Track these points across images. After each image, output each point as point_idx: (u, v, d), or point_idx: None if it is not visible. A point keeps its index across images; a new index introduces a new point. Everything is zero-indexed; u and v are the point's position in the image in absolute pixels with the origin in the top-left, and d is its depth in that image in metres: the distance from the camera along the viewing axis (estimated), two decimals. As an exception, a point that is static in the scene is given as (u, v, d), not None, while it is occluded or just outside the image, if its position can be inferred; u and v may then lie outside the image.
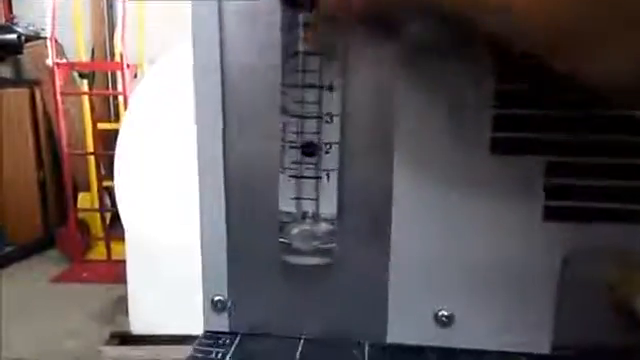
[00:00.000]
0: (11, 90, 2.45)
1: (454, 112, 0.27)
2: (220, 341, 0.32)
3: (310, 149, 0.25)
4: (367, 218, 0.28)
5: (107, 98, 2.66)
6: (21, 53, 2.49)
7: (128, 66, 2.12)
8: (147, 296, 1.32)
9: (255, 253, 0.30)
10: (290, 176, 0.26)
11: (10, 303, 1.87)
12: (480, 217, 0.29)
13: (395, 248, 0.29)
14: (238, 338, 0.32)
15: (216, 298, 0.31)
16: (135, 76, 2.17)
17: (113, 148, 1.41)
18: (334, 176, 0.26)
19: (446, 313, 0.31)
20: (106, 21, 2.71)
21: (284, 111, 0.26)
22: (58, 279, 2.19)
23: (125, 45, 2.13)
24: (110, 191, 2.31)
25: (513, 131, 0.27)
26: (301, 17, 0.25)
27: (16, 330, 1.71)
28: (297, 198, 0.26)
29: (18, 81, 2.53)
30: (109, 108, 2.67)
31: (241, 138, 0.28)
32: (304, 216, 0.26)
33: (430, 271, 0.30)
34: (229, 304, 0.32)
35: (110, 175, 1.64)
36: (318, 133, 0.25)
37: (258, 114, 0.28)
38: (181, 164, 1.19)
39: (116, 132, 1.43)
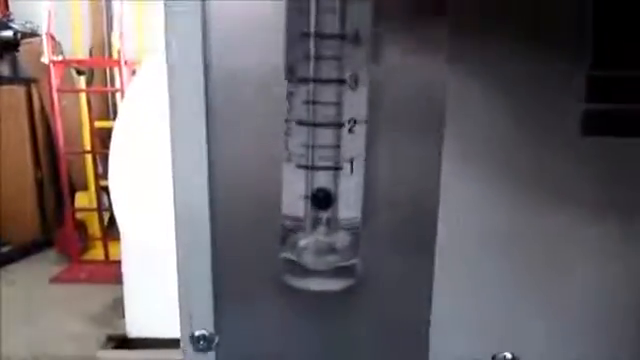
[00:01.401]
0: (7, 88, 2.42)
1: (528, 77, 0.19)
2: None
3: (323, 199, 0.17)
4: (402, 224, 0.19)
5: (105, 96, 2.62)
6: (17, 50, 2.45)
7: (126, 62, 2.08)
8: (143, 299, 1.28)
9: (250, 274, 0.22)
10: (298, 166, 0.18)
11: (8, 304, 1.84)
12: (564, 226, 0.20)
13: (441, 265, 0.21)
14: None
15: (197, 333, 0.24)
16: (133, 73, 2.13)
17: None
18: (359, 165, 0.18)
19: (508, 356, 0.22)
20: (105, 19, 2.68)
21: (290, 73, 0.18)
22: (55, 280, 2.16)
23: (123, 42, 2.10)
24: (108, 190, 2.28)
25: (616, 101, 0.18)
26: None
27: (13, 331, 1.68)
28: (308, 196, 0.18)
29: (15, 79, 2.50)
30: (107, 106, 2.64)
31: (229, 116, 0.22)
32: (316, 222, 0.18)
33: (489, 298, 0.21)
34: (215, 341, 0.24)
35: (108, 174, 1.62)
36: (338, 105, 0.17)
37: (251, 83, 0.21)
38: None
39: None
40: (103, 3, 2.66)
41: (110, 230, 2.24)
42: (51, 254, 2.40)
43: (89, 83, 2.35)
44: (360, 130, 0.18)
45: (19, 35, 2.38)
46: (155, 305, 1.29)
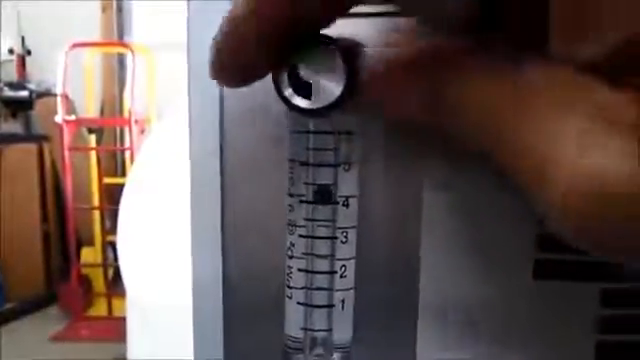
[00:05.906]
0: (20, 146, 2.48)
1: (491, 224, 0.22)
2: None
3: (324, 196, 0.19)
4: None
5: (114, 153, 2.68)
6: (32, 109, 2.53)
7: (136, 122, 2.14)
8: (146, 357, 1.26)
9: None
10: (298, 303, 0.21)
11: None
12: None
13: None
14: None
15: None
16: (142, 132, 2.19)
17: (118, 202, 1.39)
18: (349, 303, 0.21)
19: None
20: (116, 77, 2.77)
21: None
22: (57, 337, 2.13)
23: (134, 101, 2.16)
24: (114, 245, 2.29)
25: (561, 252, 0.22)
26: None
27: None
28: (307, 328, 0.20)
29: (27, 136, 2.56)
30: (115, 162, 2.69)
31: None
32: (314, 344, 0.21)
33: None
34: None
35: (114, 229, 1.62)
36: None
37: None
38: (186, 223, 1.16)
39: (122, 186, 1.42)
40: (115, 60, 2.74)
41: (114, 285, 2.23)
42: (54, 311, 2.37)
43: (99, 140, 2.41)
44: (349, 269, 0.21)
45: (34, 95, 2.46)
46: (159, 365, 1.27)
